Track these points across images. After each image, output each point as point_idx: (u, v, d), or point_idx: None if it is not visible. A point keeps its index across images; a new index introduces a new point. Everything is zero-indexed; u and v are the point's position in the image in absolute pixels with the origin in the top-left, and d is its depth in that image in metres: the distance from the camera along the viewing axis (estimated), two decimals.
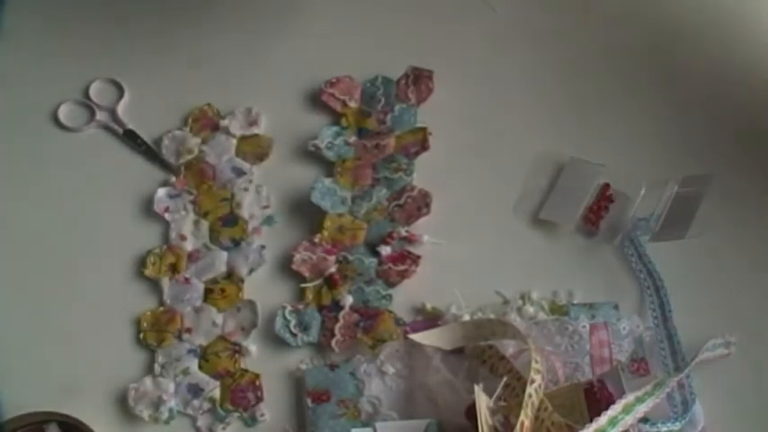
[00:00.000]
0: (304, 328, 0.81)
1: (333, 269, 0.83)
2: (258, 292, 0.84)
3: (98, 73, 0.95)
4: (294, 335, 0.81)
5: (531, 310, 0.81)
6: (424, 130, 0.89)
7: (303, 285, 0.83)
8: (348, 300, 0.82)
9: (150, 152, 0.91)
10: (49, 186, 0.90)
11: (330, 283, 0.83)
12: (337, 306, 0.82)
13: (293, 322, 0.82)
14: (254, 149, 0.91)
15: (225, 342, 0.82)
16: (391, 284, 0.83)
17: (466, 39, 0.96)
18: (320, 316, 0.82)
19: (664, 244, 0.82)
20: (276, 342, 0.82)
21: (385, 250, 0.84)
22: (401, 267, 0.83)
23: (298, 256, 0.84)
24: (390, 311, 0.82)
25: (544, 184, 0.88)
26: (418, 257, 0.84)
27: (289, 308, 0.82)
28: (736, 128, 0.90)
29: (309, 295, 0.83)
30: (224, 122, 0.92)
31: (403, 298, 0.83)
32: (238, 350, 0.82)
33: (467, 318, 0.81)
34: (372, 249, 0.84)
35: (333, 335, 0.81)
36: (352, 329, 0.81)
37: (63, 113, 0.93)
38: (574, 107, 0.92)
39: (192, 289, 0.84)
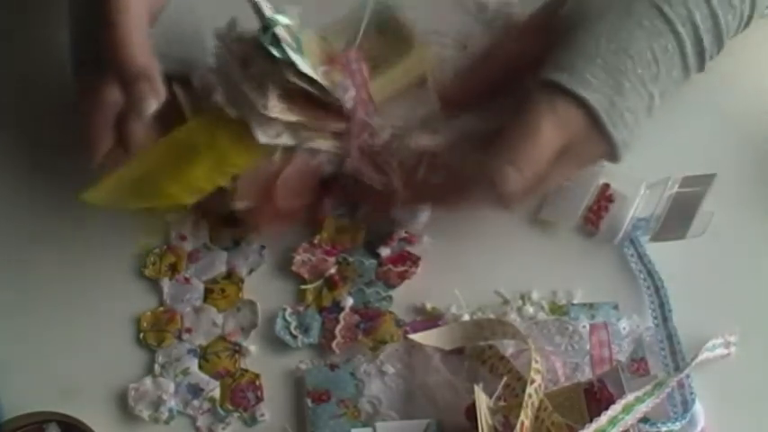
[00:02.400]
0: (304, 329, 0.81)
1: (333, 270, 0.83)
2: (258, 293, 0.84)
3: None
4: (294, 336, 0.81)
5: (530, 310, 0.81)
6: None
7: (303, 287, 0.83)
8: (348, 301, 0.82)
9: None
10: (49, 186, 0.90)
11: (330, 284, 0.83)
12: (338, 307, 0.82)
13: (293, 324, 0.82)
14: None
15: (225, 342, 0.82)
16: (391, 286, 0.83)
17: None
18: (320, 317, 0.82)
19: (664, 244, 0.82)
20: (276, 342, 0.82)
21: (385, 251, 0.84)
22: (401, 269, 0.83)
23: (298, 258, 0.84)
24: (391, 312, 0.82)
25: None
26: (418, 259, 0.84)
27: (289, 310, 0.82)
28: (737, 127, 0.90)
29: (309, 297, 0.83)
30: None
31: (403, 298, 0.83)
32: (238, 350, 0.82)
33: (467, 318, 0.81)
34: (372, 250, 0.84)
35: (333, 336, 0.81)
36: (352, 331, 0.81)
37: None
38: None
39: (191, 289, 0.84)
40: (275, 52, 0.76)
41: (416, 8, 0.88)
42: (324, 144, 0.80)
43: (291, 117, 0.78)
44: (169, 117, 0.81)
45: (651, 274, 0.82)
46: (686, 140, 0.89)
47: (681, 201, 0.83)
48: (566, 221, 0.85)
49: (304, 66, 0.77)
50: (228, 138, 0.79)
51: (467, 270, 0.84)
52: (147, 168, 0.80)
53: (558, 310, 0.82)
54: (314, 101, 0.79)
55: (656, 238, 0.83)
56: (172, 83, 0.81)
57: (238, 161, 0.79)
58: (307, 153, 0.80)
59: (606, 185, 0.85)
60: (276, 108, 0.76)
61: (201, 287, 0.85)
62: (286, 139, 0.78)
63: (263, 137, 0.77)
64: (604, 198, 0.85)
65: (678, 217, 0.82)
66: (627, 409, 0.70)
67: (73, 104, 0.81)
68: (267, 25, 0.77)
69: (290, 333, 0.81)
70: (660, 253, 0.83)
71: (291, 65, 0.76)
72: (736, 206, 0.85)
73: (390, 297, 0.83)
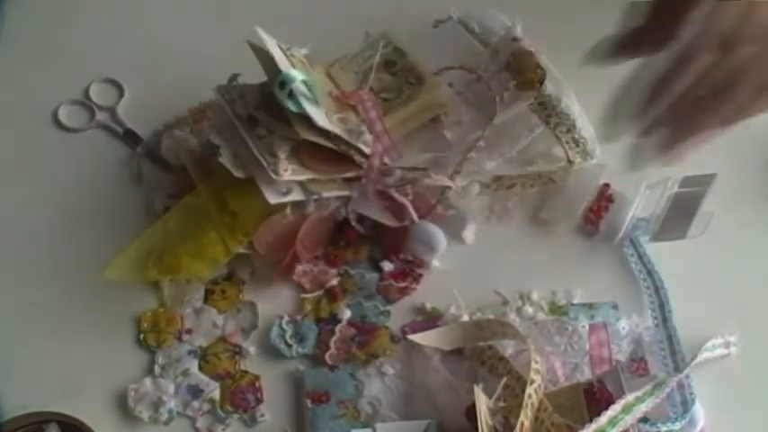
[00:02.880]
0: (300, 339, 0.81)
1: (334, 282, 0.83)
2: (259, 296, 0.84)
3: (98, 73, 0.95)
4: (289, 345, 0.81)
5: (530, 310, 0.82)
6: None
7: (303, 296, 0.83)
8: (346, 314, 0.82)
9: (150, 152, 0.91)
10: (49, 186, 0.90)
11: (330, 296, 0.83)
12: (335, 319, 0.82)
13: (289, 333, 0.81)
14: None
15: (225, 343, 0.82)
16: (390, 301, 0.83)
17: None
18: (317, 328, 0.82)
19: (664, 244, 0.83)
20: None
21: (387, 266, 0.84)
22: (402, 284, 0.83)
23: (299, 268, 0.84)
24: (387, 327, 0.82)
25: None
26: (420, 276, 0.83)
27: (286, 318, 0.82)
28: (737, 127, 0.90)
29: (308, 306, 0.83)
30: None
31: (403, 300, 0.83)
32: (238, 351, 0.82)
33: (466, 318, 0.81)
34: (375, 264, 0.84)
35: (327, 348, 0.81)
36: (347, 343, 0.81)
37: (63, 113, 0.93)
38: None
39: (192, 290, 0.84)
40: (292, 108, 0.75)
41: (423, 41, 0.88)
42: (335, 191, 0.80)
43: (303, 176, 0.77)
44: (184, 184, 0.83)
45: (651, 274, 0.82)
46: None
47: (681, 201, 0.83)
48: (566, 221, 0.85)
49: (321, 119, 0.76)
50: (237, 199, 0.80)
51: (466, 270, 0.84)
52: (162, 238, 0.82)
53: (557, 310, 0.82)
54: (325, 151, 0.78)
55: (656, 238, 0.83)
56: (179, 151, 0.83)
57: (250, 221, 0.80)
58: (319, 205, 0.80)
59: (606, 185, 0.85)
60: (287, 171, 0.76)
61: (202, 288, 0.84)
62: (296, 195, 0.78)
63: (273, 198, 0.77)
64: (604, 198, 0.85)
65: (678, 217, 0.82)
66: (627, 409, 0.70)
67: None
68: (284, 81, 0.75)
69: (286, 342, 0.81)
70: (660, 253, 0.83)
71: (307, 119, 0.76)
72: (736, 206, 0.85)
73: (388, 312, 0.83)
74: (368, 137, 0.79)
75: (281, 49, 0.79)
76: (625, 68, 0.71)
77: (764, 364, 0.80)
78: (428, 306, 0.83)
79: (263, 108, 0.78)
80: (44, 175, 0.91)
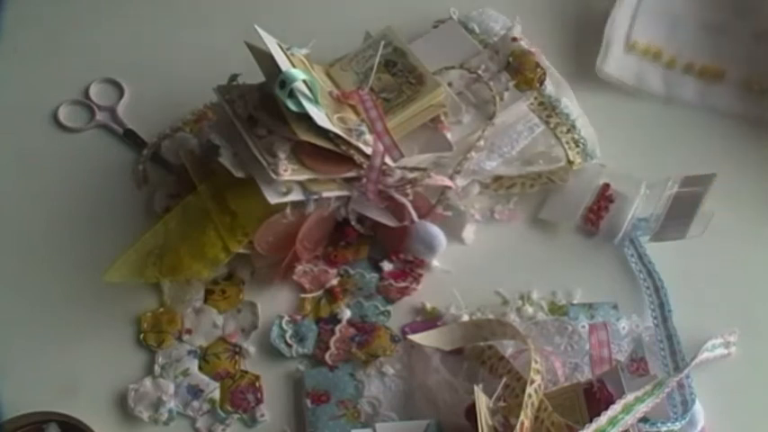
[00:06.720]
0: (300, 339, 0.81)
1: (334, 282, 0.83)
2: (259, 296, 0.84)
3: (98, 73, 0.95)
4: (289, 345, 0.81)
5: (530, 310, 0.82)
6: None
7: (303, 296, 0.83)
8: (346, 314, 0.82)
9: (153, 154, 0.91)
10: (49, 186, 0.90)
11: (330, 296, 0.83)
12: (335, 319, 0.82)
13: (289, 333, 0.81)
14: None
15: (225, 343, 0.82)
16: (390, 301, 0.83)
17: None
18: (317, 328, 0.82)
19: (664, 244, 0.82)
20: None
21: (387, 266, 0.84)
22: (402, 284, 0.83)
23: (299, 268, 0.84)
24: (387, 328, 0.82)
25: None
26: (420, 276, 0.84)
27: (286, 318, 0.82)
28: (736, 127, 0.90)
29: (308, 306, 0.83)
30: None
31: (403, 300, 0.83)
32: (238, 351, 0.82)
33: (466, 318, 0.81)
34: (375, 264, 0.84)
35: (327, 347, 0.81)
36: (347, 343, 0.81)
37: (63, 113, 0.93)
38: None
39: (192, 290, 0.84)
40: (293, 107, 0.75)
41: (423, 41, 0.89)
42: (335, 191, 0.80)
43: (303, 176, 0.77)
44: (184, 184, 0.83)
45: (651, 274, 0.82)
46: (687, 140, 0.89)
47: (681, 201, 0.83)
48: (566, 221, 0.85)
49: (321, 118, 0.76)
50: (237, 199, 0.80)
51: (466, 270, 0.84)
52: (163, 239, 0.82)
53: (557, 310, 0.82)
54: (325, 151, 0.78)
55: (656, 238, 0.83)
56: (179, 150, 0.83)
57: (250, 221, 0.80)
58: (319, 204, 0.80)
59: (606, 185, 0.85)
60: (287, 171, 0.76)
61: (202, 288, 0.84)
62: (296, 195, 0.78)
63: (273, 198, 0.77)
64: (604, 198, 0.85)
65: (678, 217, 0.82)
66: (627, 409, 0.70)
67: None
68: (285, 81, 0.75)
69: (285, 342, 0.81)
70: (660, 253, 0.83)
71: (307, 120, 0.76)
72: (736, 206, 0.85)
73: (388, 312, 0.83)
74: (368, 136, 0.79)
75: (281, 48, 0.79)
76: None
77: (764, 364, 0.80)
78: (428, 306, 0.83)
79: (263, 108, 0.78)
80: (44, 175, 0.91)
